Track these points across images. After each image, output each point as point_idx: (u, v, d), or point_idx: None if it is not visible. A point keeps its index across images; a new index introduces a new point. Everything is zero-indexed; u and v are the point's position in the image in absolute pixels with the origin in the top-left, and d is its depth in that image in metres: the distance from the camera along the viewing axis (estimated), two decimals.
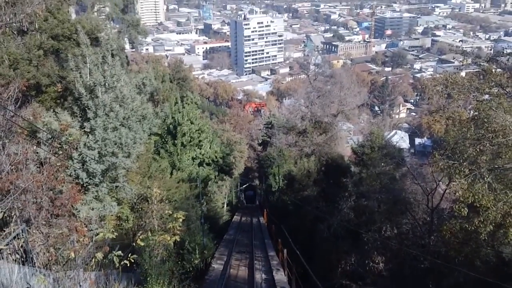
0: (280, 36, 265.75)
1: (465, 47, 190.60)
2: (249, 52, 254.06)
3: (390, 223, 26.31)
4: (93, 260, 12.34)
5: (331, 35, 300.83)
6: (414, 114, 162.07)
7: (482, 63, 20.23)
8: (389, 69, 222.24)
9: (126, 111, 19.88)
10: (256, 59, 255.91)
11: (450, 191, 22.25)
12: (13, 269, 10.85)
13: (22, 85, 15.30)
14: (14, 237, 11.66)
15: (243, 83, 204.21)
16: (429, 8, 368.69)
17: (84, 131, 18.96)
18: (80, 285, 11.37)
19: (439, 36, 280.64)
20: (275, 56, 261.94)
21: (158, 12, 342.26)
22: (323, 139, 46.93)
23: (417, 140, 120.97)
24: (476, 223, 16.87)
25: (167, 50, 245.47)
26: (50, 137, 17.41)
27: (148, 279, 15.50)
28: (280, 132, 61.65)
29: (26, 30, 22.99)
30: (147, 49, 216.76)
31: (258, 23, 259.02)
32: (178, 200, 26.78)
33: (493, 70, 19.09)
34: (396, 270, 24.66)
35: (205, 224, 27.40)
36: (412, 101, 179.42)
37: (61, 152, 17.44)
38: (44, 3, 23.78)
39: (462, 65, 22.41)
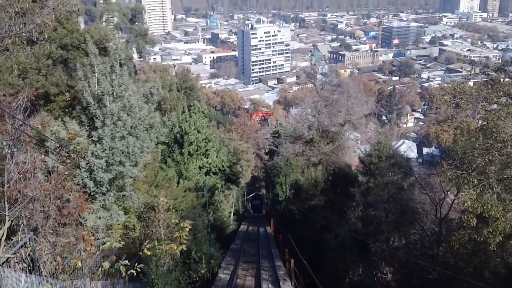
0: (287, 45, 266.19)
1: (473, 57, 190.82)
2: (256, 61, 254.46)
3: (398, 233, 26.17)
4: (100, 269, 12.34)
5: (338, 44, 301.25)
6: (421, 123, 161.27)
7: (490, 73, 20.17)
8: (397, 78, 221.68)
9: (133, 120, 19.93)
10: (263, 68, 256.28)
11: (459, 201, 22.05)
12: (20, 278, 10.87)
13: (31, 94, 15.35)
14: (22, 246, 11.69)
15: (250, 92, 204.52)
16: (436, 17, 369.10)
17: (92, 140, 19.02)
18: None
19: (447, 45, 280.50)
20: (282, 65, 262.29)
21: (166, 22, 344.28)
22: (330, 148, 46.80)
23: (425, 150, 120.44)
24: (485, 233, 16.74)
25: (174, 60, 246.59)
26: (58, 146, 17.46)
27: None
28: (287, 141, 61.48)
29: (35, 40, 23.11)
30: (154, 58, 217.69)
31: (265, 32, 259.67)
32: (184, 209, 26.74)
33: (502, 80, 19.02)
34: (404, 281, 24.48)
35: (211, 234, 27.34)
36: (420, 110, 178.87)
37: (68, 161, 17.48)
38: (54, 13, 23.93)
39: (470, 74, 22.27)
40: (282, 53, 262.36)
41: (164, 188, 25.98)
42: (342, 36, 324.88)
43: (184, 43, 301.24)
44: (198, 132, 39.92)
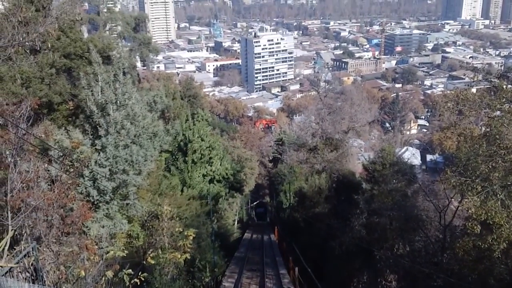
0: (290, 53, 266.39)
1: (476, 64, 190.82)
2: (260, 69, 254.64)
3: (403, 241, 26.07)
4: (103, 278, 12.33)
5: (341, 52, 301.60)
6: (425, 130, 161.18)
7: (493, 80, 20.16)
8: (400, 85, 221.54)
9: (137, 128, 19.96)
10: (266, 76, 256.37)
11: (463, 208, 21.99)
12: (24, 287, 10.83)
13: (34, 103, 15.37)
14: (25, 255, 11.67)
15: (254, 100, 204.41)
16: (439, 25, 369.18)
17: (95, 148, 19.05)
18: None
19: (449, 52, 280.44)
20: (286, 73, 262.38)
21: (169, 30, 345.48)
22: (334, 155, 46.83)
23: (429, 157, 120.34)
24: (489, 240, 16.69)
25: (178, 68, 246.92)
26: (61, 154, 17.48)
27: None
28: (290, 149, 61.43)
29: (38, 49, 23.21)
30: (158, 66, 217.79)
31: (268, 40, 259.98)
32: (188, 218, 26.76)
33: (504, 86, 18.99)
34: None
35: (215, 242, 27.31)
36: (423, 117, 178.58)
37: (72, 170, 17.47)
38: (57, 22, 24.05)
39: (473, 81, 22.26)
40: (285, 61, 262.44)
41: (168, 196, 25.98)
42: (345, 44, 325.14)
43: (188, 51, 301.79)
44: (202, 140, 39.97)
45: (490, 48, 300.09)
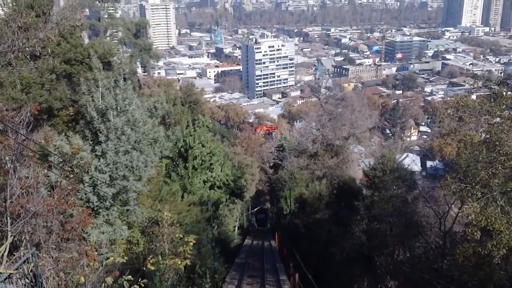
0: (291, 59, 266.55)
1: (476, 70, 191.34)
2: (260, 75, 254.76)
3: (403, 247, 26.04)
4: (103, 285, 12.30)
5: (342, 58, 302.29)
6: (425, 137, 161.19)
7: (492, 86, 20.21)
8: (400, 92, 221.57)
9: (137, 134, 19.96)
10: (267, 82, 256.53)
11: (463, 214, 21.96)
12: None
13: (34, 109, 15.36)
14: (24, 262, 11.65)
15: (255, 106, 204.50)
16: (439, 32, 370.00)
17: (96, 154, 19.04)
18: None
19: (450, 59, 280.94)
20: (286, 79, 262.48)
21: (170, 37, 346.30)
22: (334, 162, 46.84)
23: (429, 163, 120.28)
24: (489, 246, 16.68)
25: (179, 74, 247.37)
26: (61, 160, 17.47)
27: None
28: (291, 155, 61.48)
29: (39, 54, 23.26)
30: (159, 72, 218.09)
31: (269, 47, 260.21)
32: (189, 224, 26.72)
33: (504, 93, 19.03)
34: None
35: (216, 248, 27.29)
36: (424, 123, 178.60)
37: (72, 176, 17.47)
38: (57, 28, 24.13)
39: (473, 88, 22.34)
40: (286, 67, 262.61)
41: (168, 202, 25.97)
42: (346, 51, 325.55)
43: (189, 57, 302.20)
44: (203, 146, 39.98)
45: (490, 55, 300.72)
